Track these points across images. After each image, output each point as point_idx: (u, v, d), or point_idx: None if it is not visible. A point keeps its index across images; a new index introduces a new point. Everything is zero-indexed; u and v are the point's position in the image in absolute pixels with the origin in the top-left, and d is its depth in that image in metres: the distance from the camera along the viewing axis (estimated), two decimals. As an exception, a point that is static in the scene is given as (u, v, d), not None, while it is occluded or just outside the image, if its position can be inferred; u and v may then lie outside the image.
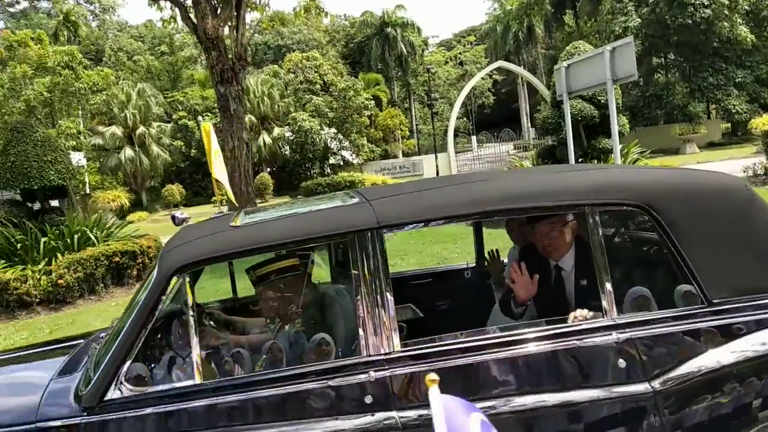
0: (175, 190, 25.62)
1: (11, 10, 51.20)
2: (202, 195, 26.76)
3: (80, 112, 26.45)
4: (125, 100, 26.11)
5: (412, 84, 47.01)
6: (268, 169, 29.71)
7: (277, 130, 28.73)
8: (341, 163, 31.20)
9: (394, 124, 34.81)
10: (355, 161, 31.32)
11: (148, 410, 2.21)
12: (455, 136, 35.70)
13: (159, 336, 2.76)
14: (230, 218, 2.80)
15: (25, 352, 3.65)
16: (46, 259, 9.87)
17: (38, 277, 9.54)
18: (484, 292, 3.62)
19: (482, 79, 44.14)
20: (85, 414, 2.22)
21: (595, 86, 11.70)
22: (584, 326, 2.34)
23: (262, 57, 38.42)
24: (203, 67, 37.95)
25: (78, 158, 22.56)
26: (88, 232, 10.71)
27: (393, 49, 42.90)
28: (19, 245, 9.93)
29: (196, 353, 2.27)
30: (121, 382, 2.23)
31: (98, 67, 30.43)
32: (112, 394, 2.22)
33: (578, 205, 2.51)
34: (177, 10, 13.55)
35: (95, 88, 25.53)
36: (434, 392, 1.31)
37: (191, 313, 2.31)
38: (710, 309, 2.37)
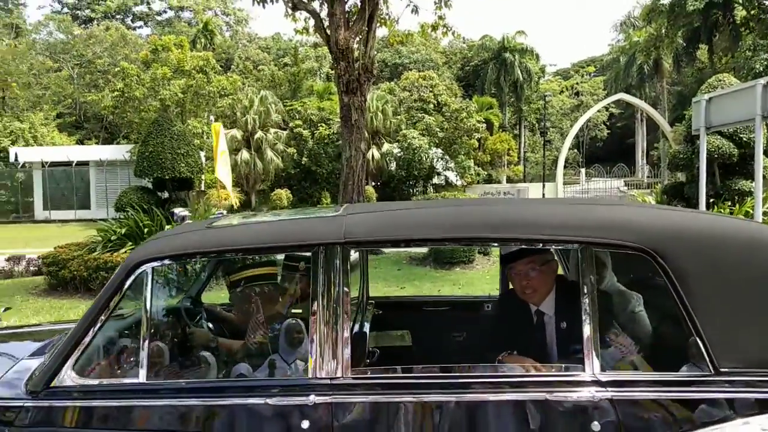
0: (283, 194, 26.52)
1: (158, 18, 55.99)
2: (308, 202, 27.55)
3: (206, 114, 28.22)
4: (248, 105, 27.48)
5: (524, 110, 46.19)
6: (373, 183, 30.11)
7: (386, 146, 29.10)
8: (444, 183, 31.04)
9: (503, 149, 34.26)
10: (458, 183, 31.07)
11: (92, 402, 2.17)
12: (564, 166, 34.53)
13: (128, 330, 2.64)
14: (225, 220, 2.72)
15: (29, 330, 3.69)
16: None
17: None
18: (501, 327, 3.27)
19: (598, 111, 42.57)
20: (29, 398, 2.20)
21: (740, 122, 10.85)
22: (560, 378, 2.07)
23: (378, 74, 39.31)
24: (322, 80, 39.39)
25: (200, 156, 24.05)
26: (208, 223, 11.21)
27: (509, 74, 42.41)
28: (146, 230, 10.59)
29: (145, 352, 2.20)
30: (69, 372, 2.19)
31: (228, 74, 32.41)
32: (58, 381, 2.19)
33: (571, 241, 2.17)
34: (310, 21, 14.10)
35: (223, 93, 27.17)
36: None
37: (147, 309, 2.24)
38: (715, 378, 1.99)
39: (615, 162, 41.56)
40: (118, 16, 53.08)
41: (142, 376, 2.20)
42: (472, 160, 31.23)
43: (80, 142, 35.14)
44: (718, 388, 1.99)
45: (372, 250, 11.90)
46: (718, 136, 12.12)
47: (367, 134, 29.87)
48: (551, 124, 47.98)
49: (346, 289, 2.16)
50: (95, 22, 46.73)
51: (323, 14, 13.11)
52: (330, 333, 2.13)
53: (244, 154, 26.26)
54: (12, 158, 26.91)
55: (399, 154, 28.89)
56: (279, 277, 2.99)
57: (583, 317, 2.08)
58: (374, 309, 3.52)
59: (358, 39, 12.64)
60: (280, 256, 3.03)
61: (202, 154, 25.17)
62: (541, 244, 2.29)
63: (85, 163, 26.98)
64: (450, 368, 2.23)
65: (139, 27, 55.35)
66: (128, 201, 9.90)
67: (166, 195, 10.97)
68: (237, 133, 26.77)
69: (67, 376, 2.20)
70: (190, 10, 53.98)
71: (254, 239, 2.36)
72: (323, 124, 28.47)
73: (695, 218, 2.39)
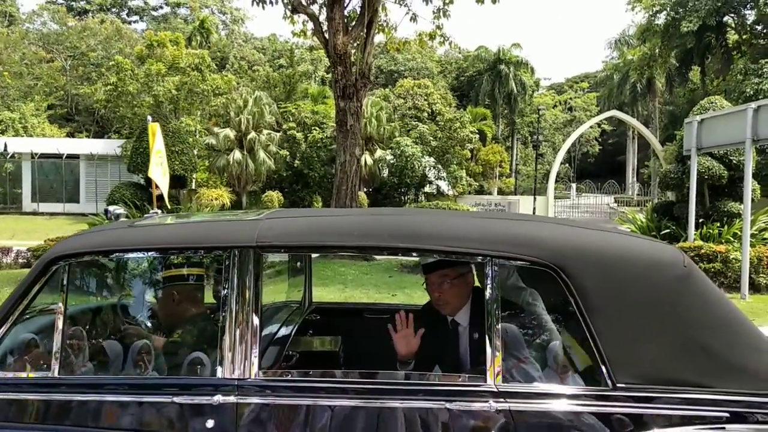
0: (275, 196, 26.43)
1: (154, 14, 55.77)
2: (299, 204, 27.49)
3: (199, 112, 28.11)
4: (242, 105, 27.39)
5: (517, 123, 46.47)
6: (365, 189, 30.11)
7: (379, 152, 29.11)
8: (435, 192, 31.13)
9: (495, 161, 34.41)
10: (449, 192, 31.16)
11: (5, 395, 2.21)
12: (555, 181, 34.74)
13: (43, 324, 2.66)
14: (152, 220, 2.76)
15: None
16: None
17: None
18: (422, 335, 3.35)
19: (591, 127, 42.91)
20: None
21: (730, 145, 11.01)
22: (461, 388, 2.12)
23: (374, 80, 39.34)
24: (317, 83, 39.38)
25: (194, 154, 23.93)
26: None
27: (503, 86, 42.64)
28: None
29: (59, 347, 2.24)
30: None
31: (222, 73, 32.31)
32: None
33: (477, 255, 2.19)
34: (309, 24, 14.12)
35: (217, 91, 27.08)
36: None
37: (61, 304, 2.27)
38: (612, 393, 2.03)
39: (606, 178, 41.88)
40: (113, 9, 52.79)
41: (54, 371, 2.23)
42: (464, 171, 31.33)
43: (71, 134, 34.83)
44: (616, 403, 2.02)
45: (364, 257, 11.94)
46: (709, 158, 12.26)
47: (360, 140, 29.96)
48: (544, 138, 48.26)
49: (257, 291, 2.20)
50: (90, 14, 46.47)
51: (322, 18, 13.14)
52: (240, 334, 2.15)
53: (237, 155, 26.15)
54: (1, 148, 26.64)
55: (392, 161, 28.93)
56: (203, 278, 2.99)
57: (487, 328, 2.12)
58: (312, 314, 3.58)
59: (356, 44, 12.68)
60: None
61: (194, 152, 25.11)
62: (447, 256, 2.32)
63: (76, 157, 26.76)
64: (356, 374, 2.31)
65: (135, 21, 55.15)
66: (121, 196, 9.86)
67: (159, 192, 10.94)
68: (230, 133, 26.66)
69: None
70: (187, 7, 53.80)
71: (170, 239, 2.41)
72: (317, 128, 28.45)
73: (599, 235, 2.42)
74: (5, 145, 26.41)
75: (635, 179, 44.90)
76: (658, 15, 31.47)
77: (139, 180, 10.67)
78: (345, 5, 12.59)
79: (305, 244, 2.35)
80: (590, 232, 2.42)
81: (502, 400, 2.03)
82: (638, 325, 2.09)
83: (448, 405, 2.03)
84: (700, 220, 12.05)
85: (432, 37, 15.00)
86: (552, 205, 31.12)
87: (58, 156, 26.45)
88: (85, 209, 23.29)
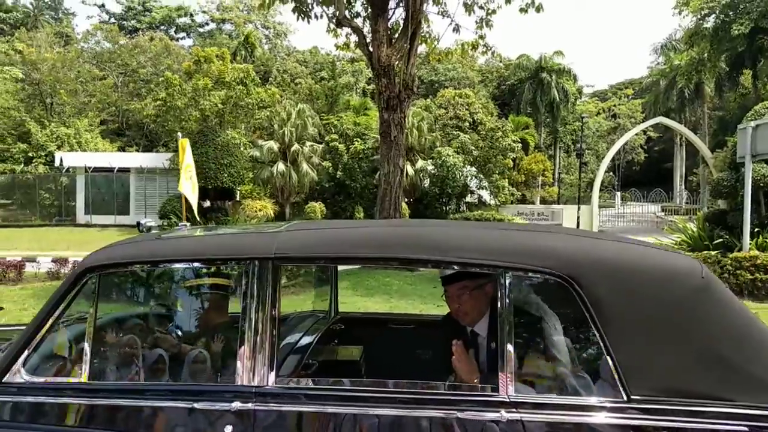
0: (317, 207, 26.73)
1: (200, 30, 57.46)
2: (341, 216, 27.72)
3: (244, 125, 28.71)
4: (285, 118, 27.86)
5: (560, 131, 45.85)
6: (407, 200, 30.16)
7: (420, 163, 29.16)
8: (477, 202, 30.94)
9: (538, 170, 34.03)
10: (491, 202, 30.93)
11: (38, 399, 2.31)
12: (599, 189, 34.09)
13: (75, 332, 2.77)
14: (181, 232, 2.84)
15: (11, 329, 3.81)
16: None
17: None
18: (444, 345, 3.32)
19: (636, 134, 41.99)
20: None
21: (788, 151, 10.62)
22: (474, 398, 2.13)
23: (416, 91, 39.43)
24: (358, 95, 39.77)
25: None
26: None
27: (545, 94, 42.21)
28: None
29: (89, 354, 2.35)
30: (19, 369, 2.35)
31: (266, 86, 32.97)
32: (11, 378, 2.34)
33: (491, 266, 2.21)
34: (352, 37, 14.32)
35: (262, 105, 27.63)
36: None
37: (93, 314, 2.38)
38: (627, 405, 2.00)
39: (651, 186, 40.87)
40: (162, 27, 54.60)
41: (84, 377, 2.35)
42: (506, 180, 31.07)
43: (122, 149, 36.05)
44: (630, 415, 2.00)
45: (408, 268, 11.96)
46: (765, 165, 11.85)
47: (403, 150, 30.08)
48: (587, 146, 47.47)
49: (275, 301, 2.27)
50: (140, 32, 48.13)
51: (366, 31, 13.31)
52: (258, 342, 2.23)
53: (280, 166, 26.58)
54: (57, 162, 27.75)
55: (433, 171, 28.92)
56: (227, 288, 3.09)
57: (501, 339, 2.13)
58: (337, 324, 3.66)
59: (399, 56, 12.79)
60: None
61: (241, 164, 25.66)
62: (462, 267, 2.35)
63: (126, 170, 27.66)
64: (371, 382, 2.39)
65: (182, 38, 56.90)
66: (171, 208, 10.17)
67: (207, 204, 11.23)
68: (274, 145, 27.13)
69: (17, 374, 2.37)
70: (231, 23, 55.23)
71: (194, 251, 2.51)
72: (358, 139, 28.70)
73: (615, 246, 2.41)
74: (61, 160, 27.52)
75: (683, 187, 43.64)
76: (706, 18, 30.65)
77: (189, 192, 11.09)
78: (389, 18, 12.73)
79: (322, 255, 2.41)
80: (606, 243, 2.44)
81: (513, 410, 2.04)
82: (654, 336, 2.08)
83: (459, 414, 2.06)
84: (756, 229, 11.64)
85: (474, 47, 15.00)
86: (596, 214, 30.51)
87: (110, 170, 27.40)
88: (135, 221, 23.99)
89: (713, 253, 11.21)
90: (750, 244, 11.07)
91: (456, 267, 2.39)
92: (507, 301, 2.15)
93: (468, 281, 2.62)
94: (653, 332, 2.08)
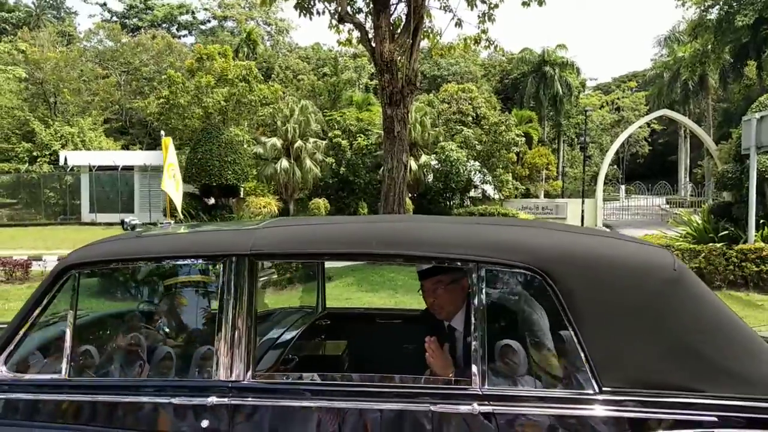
0: (321, 203, 26.75)
1: (202, 27, 57.47)
2: (345, 211, 27.74)
3: (247, 122, 28.73)
4: (288, 114, 27.86)
5: (563, 125, 45.73)
6: (410, 195, 30.15)
7: (423, 158, 29.14)
8: (481, 196, 30.93)
9: (541, 164, 33.96)
10: (495, 197, 30.92)
11: (19, 395, 2.35)
12: (603, 183, 34.03)
13: (55, 329, 2.78)
14: (161, 229, 2.87)
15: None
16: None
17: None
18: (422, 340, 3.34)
19: (640, 127, 41.86)
20: None
21: (793, 143, 10.57)
22: (447, 391, 2.16)
23: (418, 86, 39.37)
24: (361, 90, 39.73)
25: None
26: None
27: (549, 88, 42.08)
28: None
29: (69, 351, 2.38)
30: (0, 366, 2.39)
31: (269, 82, 32.97)
32: None
33: (464, 260, 2.22)
34: (354, 33, 14.30)
35: (264, 101, 27.64)
36: None
37: (71, 311, 2.41)
38: (598, 396, 2.02)
39: (656, 179, 40.73)
40: (164, 25, 54.64)
41: (64, 373, 2.38)
42: (510, 174, 31.04)
43: (125, 147, 36.12)
44: (600, 407, 2.01)
45: (395, 263, 11.89)
46: (770, 156, 11.81)
47: (406, 146, 30.05)
48: (591, 139, 47.36)
49: (251, 297, 2.30)
50: (142, 30, 48.14)
51: (368, 26, 13.29)
52: (235, 338, 2.25)
53: (284, 163, 26.60)
54: (62, 161, 27.83)
55: (436, 166, 28.90)
56: (205, 285, 3.11)
57: (473, 333, 2.14)
58: (322, 319, 3.69)
59: (402, 51, 12.78)
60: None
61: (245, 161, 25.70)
62: (436, 262, 2.36)
63: (130, 168, 27.71)
64: (348, 377, 2.43)
65: (184, 36, 56.93)
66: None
67: (212, 201, 11.26)
68: (277, 142, 27.15)
69: None
70: (233, 20, 55.21)
71: (171, 249, 2.55)
72: (362, 135, 28.68)
73: (586, 239, 2.42)
74: (65, 159, 27.59)
75: (688, 180, 43.50)
76: (710, 10, 30.50)
77: (194, 190, 11.05)
78: (391, 13, 12.71)
79: (297, 252, 2.45)
80: (577, 236, 2.48)
81: (486, 403, 2.05)
82: (625, 328, 2.09)
83: (432, 408, 2.08)
84: (761, 221, 11.61)
85: (477, 41, 14.97)
86: (601, 207, 30.48)
87: (114, 168, 27.46)
88: (139, 219, 24.05)
89: (718, 245, 11.18)
90: (755, 235, 11.05)
91: (430, 261, 2.41)
92: (480, 295, 2.17)
93: (443, 276, 2.64)
94: (625, 325, 2.09)
